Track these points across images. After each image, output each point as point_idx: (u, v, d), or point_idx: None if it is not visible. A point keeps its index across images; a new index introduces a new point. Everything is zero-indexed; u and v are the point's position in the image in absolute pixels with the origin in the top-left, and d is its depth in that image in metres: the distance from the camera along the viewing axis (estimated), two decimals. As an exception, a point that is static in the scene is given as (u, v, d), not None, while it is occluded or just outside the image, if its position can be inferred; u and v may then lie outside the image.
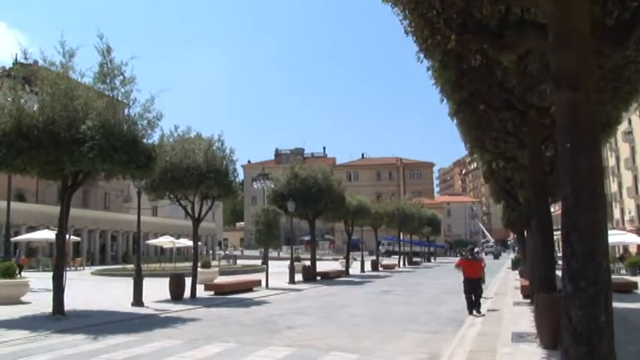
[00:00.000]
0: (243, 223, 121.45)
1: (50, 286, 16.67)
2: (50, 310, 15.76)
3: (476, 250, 22.19)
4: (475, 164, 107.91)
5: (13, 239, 36.91)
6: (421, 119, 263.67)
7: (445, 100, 12.64)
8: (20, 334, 12.66)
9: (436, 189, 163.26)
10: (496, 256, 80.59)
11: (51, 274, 16.87)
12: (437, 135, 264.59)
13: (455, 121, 14.30)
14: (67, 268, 19.78)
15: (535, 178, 12.95)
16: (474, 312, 16.37)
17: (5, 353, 10.57)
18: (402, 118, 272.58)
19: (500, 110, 12.70)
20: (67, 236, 19.17)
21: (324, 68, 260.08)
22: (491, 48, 7.70)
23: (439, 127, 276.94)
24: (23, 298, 19.50)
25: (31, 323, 14.30)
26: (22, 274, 21.66)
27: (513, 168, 17.17)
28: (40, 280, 24.00)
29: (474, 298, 16.56)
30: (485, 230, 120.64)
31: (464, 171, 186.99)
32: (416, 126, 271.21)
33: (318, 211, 33.96)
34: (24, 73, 16.29)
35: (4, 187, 24.43)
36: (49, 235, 39.93)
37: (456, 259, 25.55)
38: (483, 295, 18.31)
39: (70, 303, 16.54)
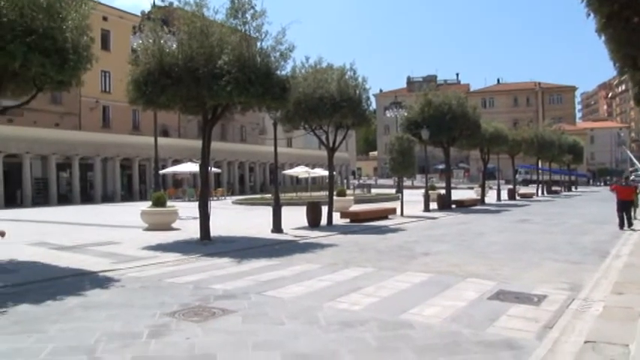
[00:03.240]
0: (376, 152, 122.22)
1: (196, 214, 17.83)
2: (198, 235, 16.89)
3: (632, 177, 27.50)
4: (624, 86, 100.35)
5: (161, 172, 39.46)
6: (562, 40, 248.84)
7: (591, 15, 11.66)
8: (174, 256, 13.76)
9: (578, 114, 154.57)
10: (645, 186, 74.95)
11: (196, 203, 17.95)
12: (580, 56, 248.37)
13: (602, 38, 13.21)
14: (211, 198, 20.92)
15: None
16: (626, 227, 19.47)
17: (164, 272, 11.58)
18: (541, 39, 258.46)
19: (659, 21, 11.53)
20: (209, 168, 20.20)
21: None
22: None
23: (582, 48, 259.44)
24: (173, 225, 20.97)
25: (183, 247, 15.44)
26: (170, 203, 23.28)
27: (671, 89, 15.70)
28: (187, 209, 25.59)
29: (626, 217, 19.75)
30: (633, 158, 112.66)
31: (610, 94, 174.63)
32: (556, 47, 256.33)
33: (452, 138, 33.29)
34: (162, 15, 17.11)
35: (151, 123, 26.05)
36: (192, 167, 42.45)
37: (603, 188, 28.57)
38: (638, 217, 21.93)
39: (214, 229, 17.58)
